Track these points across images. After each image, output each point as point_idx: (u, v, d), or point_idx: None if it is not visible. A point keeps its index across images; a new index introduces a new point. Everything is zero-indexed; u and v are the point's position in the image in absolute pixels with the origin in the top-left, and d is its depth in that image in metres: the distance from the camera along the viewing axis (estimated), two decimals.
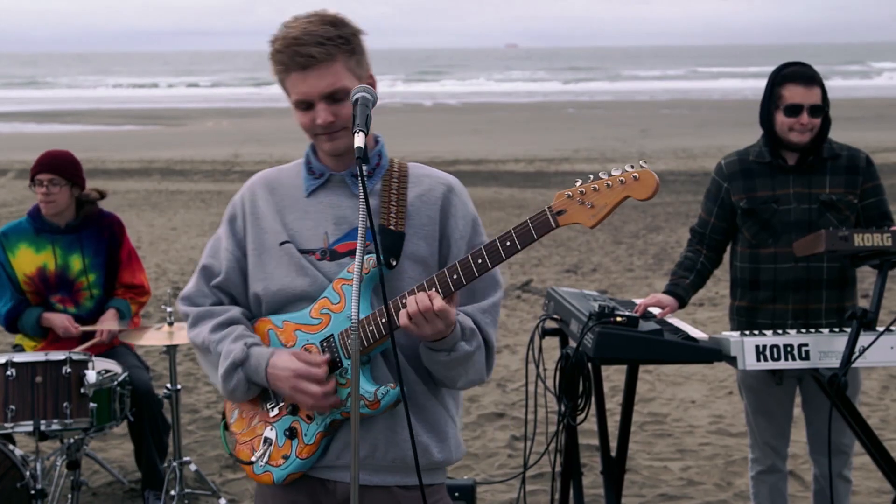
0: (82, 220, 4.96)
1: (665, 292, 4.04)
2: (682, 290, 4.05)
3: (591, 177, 2.36)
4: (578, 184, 2.35)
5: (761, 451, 4.19)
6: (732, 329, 4.15)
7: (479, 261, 2.41)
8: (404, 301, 2.40)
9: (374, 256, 2.43)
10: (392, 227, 2.52)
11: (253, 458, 2.59)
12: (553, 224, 2.36)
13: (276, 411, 2.59)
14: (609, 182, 2.31)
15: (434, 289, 2.40)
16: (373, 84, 2.55)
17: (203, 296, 2.68)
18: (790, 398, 4.16)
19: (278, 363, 2.49)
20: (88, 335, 4.88)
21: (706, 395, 6.80)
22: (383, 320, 2.42)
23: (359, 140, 2.32)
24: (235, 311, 2.64)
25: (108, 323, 4.88)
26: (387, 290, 2.37)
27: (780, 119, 3.88)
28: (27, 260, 4.88)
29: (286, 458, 2.55)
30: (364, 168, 2.31)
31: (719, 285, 10.09)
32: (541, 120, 33.58)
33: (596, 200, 2.32)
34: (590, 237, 12.69)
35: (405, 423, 2.42)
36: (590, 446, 5.55)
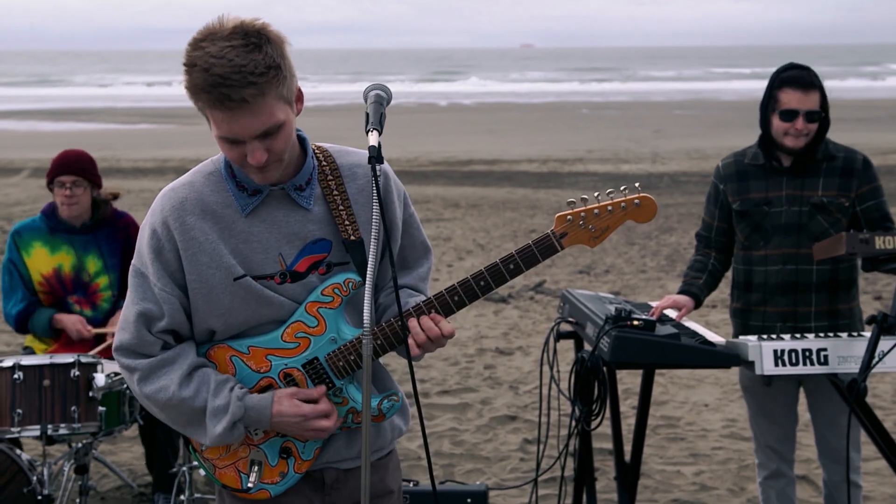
0: (98, 221, 4.92)
1: (680, 293, 4.00)
2: (697, 289, 4.01)
3: (587, 199, 2.45)
4: (576, 207, 2.44)
5: (764, 454, 4.16)
6: (734, 331, 4.12)
7: (482, 283, 2.43)
8: (399, 323, 2.40)
9: (353, 277, 2.41)
10: (353, 238, 2.43)
11: (247, 484, 2.51)
12: (558, 248, 2.44)
13: (260, 434, 2.50)
14: (610, 207, 2.43)
15: (434, 311, 2.42)
16: (300, 98, 2.36)
17: (147, 345, 2.42)
18: (792, 400, 4.11)
19: (284, 412, 2.40)
20: (101, 338, 4.85)
21: (719, 399, 6.74)
22: (378, 342, 2.42)
23: (373, 139, 2.27)
24: (190, 352, 2.45)
25: (117, 322, 4.84)
26: (359, 302, 2.35)
27: (776, 123, 3.84)
28: (42, 260, 4.84)
29: (283, 475, 2.51)
30: (376, 173, 2.24)
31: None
32: (555, 120, 33.52)
33: (597, 224, 2.44)
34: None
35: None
36: (602, 450, 5.50)
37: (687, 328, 3.73)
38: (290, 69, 2.27)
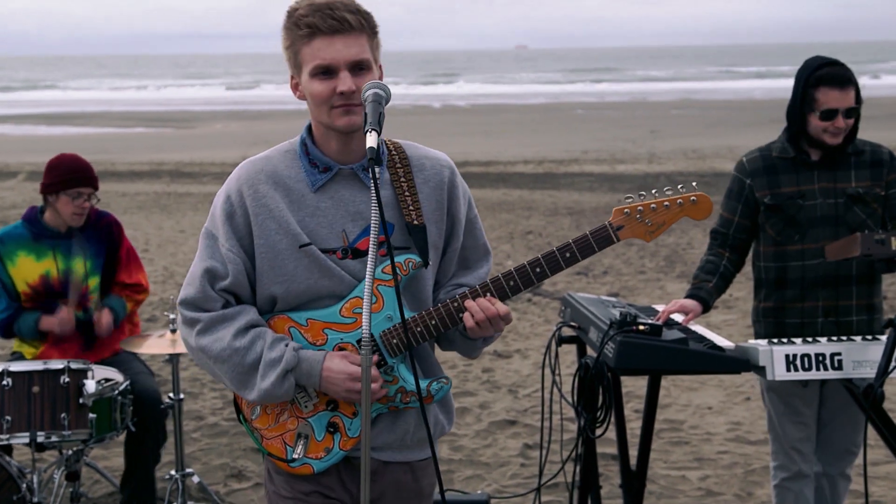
0: (82, 224, 4.79)
1: (688, 296, 3.90)
2: (706, 293, 3.91)
3: (643, 195, 2.52)
4: (633, 201, 2.51)
5: (787, 456, 4.03)
6: (757, 332, 4.01)
7: (538, 269, 2.50)
8: (455, 304, 2.48)
9: (414, 258, 2.48)
10: (415, 222, 2.51)
11: (290, 455, 2.57)
12: (614, 239, 2.51)
13: (310, 407, 2.56)
14: (667, 203, 2.51)
15: (489, 294, 2.49)
16: (381, 76, 2.52)
17: (210, 300, 2.52)
18: (816, 400, 4.02)
19: (333, 367, 2.46)
20: (90, 339, 4.74)
21: (723, 402, 6.63)
22: (433, 322, 2.49)
23: (371, 140, 2.25)
24: (251, 311, 2.54)
25: (102, 320, 4.72)
26: (411, 281, 2.51)
27: (815, 122, 3.77)
28: (28, 268, 4.70)
29: (328, 450, 2.56)
30: (377, 169, 2.26)
31: (732, 287, 9.87)
32: (550, 121, 33.43)
33: (654, 219, 2.51)
34: None
35: (428, 408, 2.61)
36: (604, 455, 5.39)
37: (694, 332, 3.61)
38: (379, 46, 2.50)
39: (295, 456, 2.56)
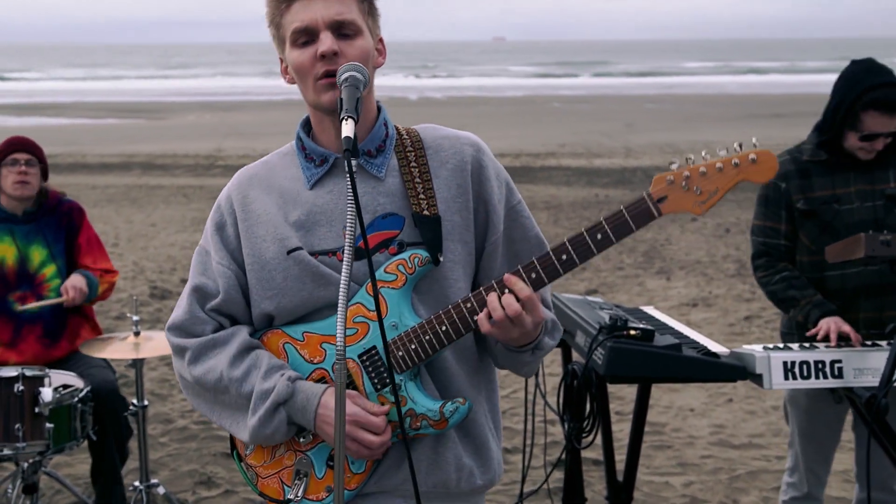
0: (39, 208, 4.62)
1: (825, 314, 3.50)
2: (829, 304, 3.57)
3: (692, 158, 2.05)
4: (679, 166, 2.03)
5: (802, 477, 3.84)
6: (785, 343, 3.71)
7: (564, 257, 2.06)
8: (468, 304, 2.10)
9: (420, 253, 2.13)
10: (426, 213, 2.16)
11: (288, 496, 2.23)
12: (655, 213, 2.03)
13: (308, 439, 2.22)
14: (720, 165, 2.01)
15: (507, 290, 2.06)
16: (382, 52, 2.24)
17: (199, 322, 2.24)
18: (841, 421, 3.82)
19: (328, 414, 2.12)
20: (53, 333, 4.54)
21: (705, 403, 6.49)
22: (443, 328, 2.11)
23: (347, 129, 1.94)
24: (241, 331, 2.24)
25: (74, 279, 4.50)
26: (428, 281, 2.16)
27: (853, 140, 3.56)
28: None
29: (330, 490, 2.21)
30: (354, 162, 1.91)
31: (712, 284, 9.82)
32: (526, 114, 33.27)
33: (705, 185, 2.01)
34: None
35: (449, 442, 2.18)
36: (586, 460, 5.22)
37: (687, 337, 3.44)
38: (376, 11, 2.21)
39: (291, 497, 2.22)
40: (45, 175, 4.66)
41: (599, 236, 2.04)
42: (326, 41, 2.10)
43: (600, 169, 18.56)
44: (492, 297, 2.04)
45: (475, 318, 2.08)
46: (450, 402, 2.14)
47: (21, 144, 4.59)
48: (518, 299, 2.03)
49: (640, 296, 9.41)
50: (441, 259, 2.15)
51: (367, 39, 2.16)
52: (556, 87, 52.10)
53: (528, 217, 2.30)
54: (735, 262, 10.80)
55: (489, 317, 2.05)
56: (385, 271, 2.14)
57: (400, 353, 2.13)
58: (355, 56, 2.11)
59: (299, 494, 2.21)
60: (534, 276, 2.06)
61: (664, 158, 19.83)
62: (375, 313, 2.10)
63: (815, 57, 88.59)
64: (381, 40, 2.24)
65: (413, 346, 2.12)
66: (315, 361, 2.21)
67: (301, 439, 2.23)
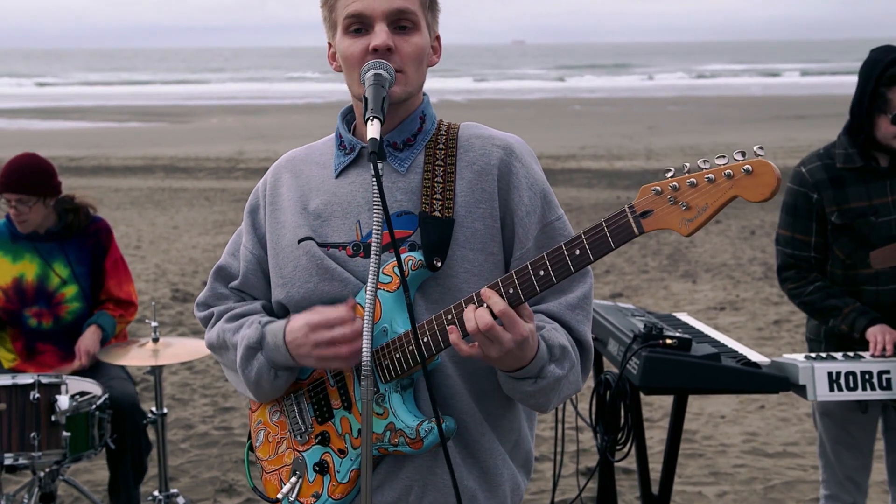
0: (65, 226, 4.45)
1: (871, 322, 3.34)
2: (871, 313, 3.40)
3: (687, 167, 1.78)
4: (669, 175, 1.77)
5: (840, 486, 3.67)
6: (811, 350, 3.59)
7: (542, 272, 1.85)
8: (448, 316, 1.91)
9: (415, 256, 1.98)
10: (437, 214, 2.01)
11: (280, 494, 2.14)
12: (635, 230, 1.78)
13: (304, 439, 2.13)
14: (711, 175, 1.73)
15: (484, 304, 1.87)
16: (437, 50, 2.13)
17: (222, 298, 2.24)
18: (875, 426, 3.66)
19: (295, 326, 2.01)
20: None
21: (736, 410, 6.35)
22: (425, 339, 1.94)
23: (373, 130, 1.83)
24: (257, 304, 2.20)
25: (88, 341, 4.37)
26: (439, 290, 2.00)
27: (885, 126, 3.36)
28: (2, 269, 4.40)
29: (317, 496, 2.10)
30: (379, 164, 1.81)
31: (739, 288, 9.67)
32: (546, 117, 33.11)
33: (693, 200, 1.72)
34: None
35: (446, 462, 1.95)
36: (617, 468, 5.08)
37: (724, 345, 3.31)
38: (437, 3, 2.10)
39: (279, 495, 2.14)
40: (54, 193, 4.41)
41: (577, 252, 1.83)
42: (381, 34, 1.98)
43: (621, 171, 18.42)
44: (468, 310, 1.86)
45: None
46: (426, 421, 1.98)
47: (9, 183, 4.30)
48: (493, 314, 1.84)
49: (666, 299, 9.27)
50: (438, 265, 1.99)
51: (423, 36, 2.05)
52: (576, 90, 51.88)
53: (567, 236, 2.08)
54: (762, 265, 10.63)
55: (463, 331, 1.87)
56: (383, 272, 2.02)
57: (385, 362, 1.99)
58: (410, 53, 2.01)
59: (287, 492, 2.14)
60: (511, 291, 1.86)
61: (686, 160, 19.62)
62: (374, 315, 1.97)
63: (838, 58, 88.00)
64: (437, 38, 2.13)
65: (398, 356, 1.98)
66: None
67: (298, 438, 2.14)
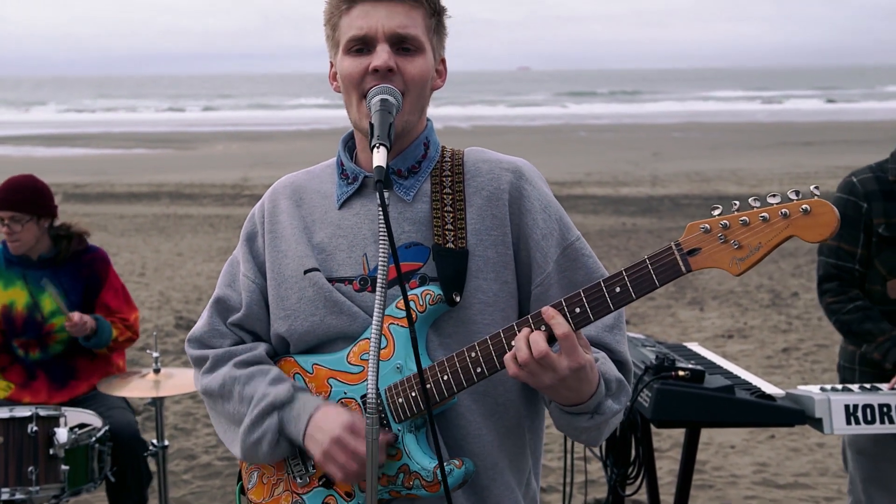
0: (58, 253, 4.37)
1: None
2: None
3: (736, 205, 1.72)
4: (717, 213, 1.72)
5: None
6: (845, 378, 3.46)
7: (578, 310, 1.78)
8: (494, 343, 1.83)
9: (433, 290, 1.91)
10: (451, 246, 1.94)
11: None
12: (683, 268, 1.74)
13: (305, 480, 2.04)
14: (765, 214, 1.68)
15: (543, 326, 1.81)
16: (442, 73, 2.07)
17: (218, 336, 2.13)
18: None
19: (322, 419, 1.93)
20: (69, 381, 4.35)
21: (746, 440, 6.26)
22: (445, 378, 1.86)
23: (379, 158, 1.77)
24: (262, 349, 2.11)
25: (87, 316, 4.24)
26: (453, 324, 1.93)
27: None
28: None
29: None
30: (385, 192, 1.75)
31: (747, 315, 9.59)
32: (552, 143, 33.12)
33: (746, 239, 1.68)
34: (606, 262, 12.16)
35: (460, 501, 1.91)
36: (626, 502, 5.00)
37: (738, 377, 3.24)
38: (443, 31, 2.04)
39: None
40: (49, 214, 4.34)
41: (618, 289, 1.77)
42: (382, 55, 1.93)
43: (627, 197, 18.37)
44: (519, 339, 1.79)
45: (478, 369, 1.83)
46: (444, 463, 1.90)
47: (5, 201, 4.24)
48: (552, 337, 1.77)
49: (673, 327, 9.19)
50: (457, 299, 1.92)
51: (427, 59, 1.99)
52: (581, 116, 51.94)
53: (589, 255, 2.04)
54: (769, 292, 10.55)
55: (514, 358, 1.78)
56: (396, 307, 1.95)
57: (400, 401, 1.92)
58: (413, 75, 1.96)
59: None
60: (543, 328, 1.78)
61: (692, 187, 19.62)
62: (381, 352, 1.93)
63: (844, 85, 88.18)
64: (443, 61, 2.08)
65: (413, 394, 1.90)
66: (321, 396, 2.03)
67: (298, 480, 2.05)
